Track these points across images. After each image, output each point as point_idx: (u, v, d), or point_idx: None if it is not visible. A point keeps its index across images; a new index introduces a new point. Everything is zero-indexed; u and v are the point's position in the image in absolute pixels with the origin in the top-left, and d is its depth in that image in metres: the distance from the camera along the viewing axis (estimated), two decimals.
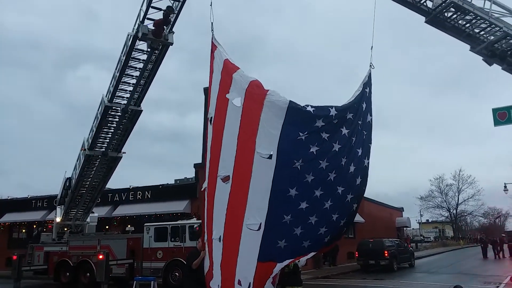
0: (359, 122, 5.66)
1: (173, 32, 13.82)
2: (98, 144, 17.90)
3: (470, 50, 13.06)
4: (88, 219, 21.58)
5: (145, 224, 18.27)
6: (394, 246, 24.99)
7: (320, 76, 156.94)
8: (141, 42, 13.76)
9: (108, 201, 27.56)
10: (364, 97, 5.87)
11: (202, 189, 6.67)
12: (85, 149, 17.91)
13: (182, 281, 13.88)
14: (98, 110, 16.96)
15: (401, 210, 50.85)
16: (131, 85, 15.59)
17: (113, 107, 16.17)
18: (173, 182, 27.46)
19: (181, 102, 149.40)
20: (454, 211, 72.01)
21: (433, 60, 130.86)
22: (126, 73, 14.99)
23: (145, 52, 14.24)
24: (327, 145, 5.23)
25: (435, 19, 12.68)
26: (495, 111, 9.39)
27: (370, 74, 6.15)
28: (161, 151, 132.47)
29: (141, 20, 13.21)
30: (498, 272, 21.66)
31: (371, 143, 5.96)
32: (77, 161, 19.22)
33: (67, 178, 20.17)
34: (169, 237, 17.01)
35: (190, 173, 26.82)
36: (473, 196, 67.97)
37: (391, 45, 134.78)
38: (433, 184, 71.56)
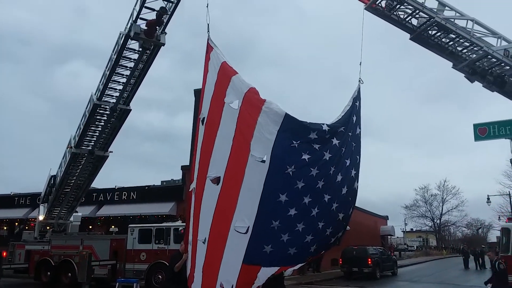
0: (350, 134, 5.77)
1: (166, 33, 13.84)
2: (85, 142, 17.76)
3: (452, 67, 13.51)
4: (71, 218, 21.33)
5: (130, 225, 18.12)
6: (377, 254, 25.19)
7: (312, 81, 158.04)
8: (133, 41, 13.75)
9: (93, 201, 27.29)
10: (354, 110, 6.01)
11: (189, 190, 6.65)
12: (71, 147, 17.76)
13: (165, 284, 13.79)
14: (86, 108, 16.84)
15: (386, 218, 51.36)
16: (121, 84, 15.54)
17: (102, 106, 16.07)
18: (160, 184, 27.33)
19: (171, 102, 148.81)
20: (438, 221, 73.00)
21: (423, 71, 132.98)
22: (116, 71, 14.94)
23: (136, 51, 14.22)
24: (318, 154, 5.30)
25: (419, 36, 13.10)
26: (476, 126, 9.65)
27: (359, 88, 6.30)
28: (149, 151, 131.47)
29: (134, 19, 13.22)
30: (478, 282, 22.00)
31: (359, 155, 6.06)
32: (63, 158, 19.03)
33: (52, 176, 19.94)
34: (153, 239, 16.88)
35: (177, 175, 26.76)
36: (457, 207, 69.08)
37: (382, 55, 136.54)
38: (418, 194, 72.57)
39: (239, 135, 5.50)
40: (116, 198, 27.37)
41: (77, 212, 21.80)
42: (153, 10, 13.04)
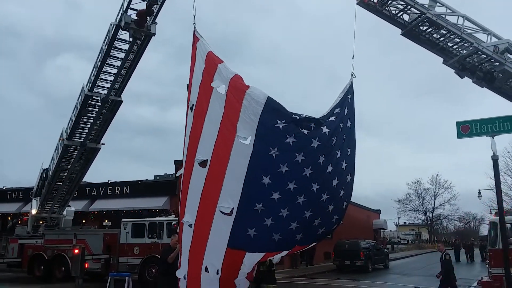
0: (340, 125, 5.80)
1: (156, 23, 13.87)
2: (77, 135, 17.75)
3: (443, 63, 13.66)
4: (64, 213, 21.32)
5: (123, 219, 18.16)
6: (369, 248, 25.47)
7: (307, 78, 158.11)
8: (124, 32, 13.74)
9: (86, 195, 27.28)
10: (345, 102, 6.06)
11: (177, 175, 6.71)
12: (63, 139, 17.73)
13: (157, 277, 13.90)
14: (78, 99, 16.83)
15: (378, 212, 51.81)
16: (112, 75, 15.55)
17: (93, 97, 16.07)
18: (153, 178, 27.35)
19: (164, 96, 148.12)
20: (430, 215, 73.70)
21: (415, 65, 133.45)
22: (107, 62, 14.97)
23: (127, 42, 14.25)
24: (305, 139, 5.31)
25: (410, 32, 13.21)
26: (458, 124, 9.82)
27: (351, 82, 6.37)
28: (142, 145, 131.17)
29: (124, 9, 13.28)
30: (468, 275, 22.35)
31: (351, 148, 6.08)
32: (55, 151, 18.99)
33: (44, 169, 19.91)
34: (146, 233, 16.95)
35: (170, 170, 26.74)
36: (449, 201, 69.54)
37: (376, 49, 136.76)
38: (410, 188, 72.96)
39: (226, 119, 5.58)
40: (109, 192, 27.37)
41: (70, 206, 21.80)
42: (143, 0, 13.05)
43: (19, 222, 24.37)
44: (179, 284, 6.05)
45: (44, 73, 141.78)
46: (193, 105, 6.31)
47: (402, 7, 12.89)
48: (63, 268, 17.69)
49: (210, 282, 5.49)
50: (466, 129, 9.61)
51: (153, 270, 16.29)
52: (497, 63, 12.83)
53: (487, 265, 15.42)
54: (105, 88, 16.04)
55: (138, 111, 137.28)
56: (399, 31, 13.50)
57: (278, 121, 5.24)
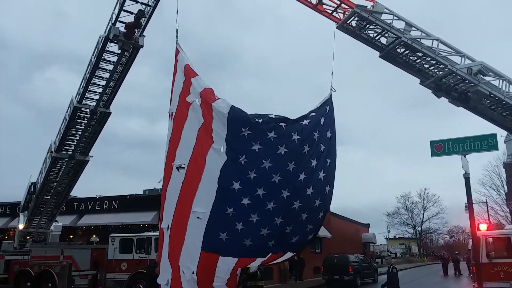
0: (315, 133, 5.92)
1: (144, 36, 14.20)
2: (65, 147, 17.77)
3: (420, 83, 14.24)
4: (52, 228, 21.17)
5: (111, 235, 18.21)
6: (358, 262, 25.65)
7: (295, 89, 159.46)
8: (112, 44, 14.10)
9: (74, 210, 27.14)
10: (323, 113, 6.21)
11: (158, 181, 7.03)
12: (52, 152, 17.78)
13: None
14: (67, 112, 16.95)
15: (367, 226, 52.04)
16: (100, 86, 15.73)
17: (82, 109, 16.26)
18: (142, 193, 27.37)
19: (152, 109, 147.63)
20: (419, 228, 74.22)
21: (403, 79, 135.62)
22: (96, 74, 15.16)
23: (115, 54, 14.49)
24: (271, 146, 5.52)
25: (388, 54, 13.77)
26: (432, 143, 10.35)
27: (330, 95, 6.56)
28: (130, 159, 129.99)
29: (113, 22, 13.57)
30: None
31: (331, 159, 6.14)
32: (43, 164, 18.97)
33: (32, 183, 19.81)
34: (134, 248, 17.00)
35: (160, 184, 26.78)
36: (437, 214, 70.41)
37: (365, 61, 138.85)
38: (399, 201, 73.73)
39: (203, 128, 5.86)
40: (98, 207, 27.25)
41: (57, 221, 21.66)
42: (132, 13, 13.39)
43: (6, 237, 24.21)
44: None
45: (32, 85, 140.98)
46: (172, 112, 6.60)
47: (379, 31, 13.48)
48: (49, 284, 17.51)
49: (188, 283, 5.63)
50: (439, 148, 10.12)
51: (141, 286, 16.25)
52: (471, 84, 13.41)
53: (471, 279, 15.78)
54: (94, 100, 16.21)
55: (127, 124, 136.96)
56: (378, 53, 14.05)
57: (243, 129, 5.52)
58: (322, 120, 6.13)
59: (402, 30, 13.24)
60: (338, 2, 13.22)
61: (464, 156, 9.99)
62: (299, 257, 24.73)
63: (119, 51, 14.18)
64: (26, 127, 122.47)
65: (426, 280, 29.85)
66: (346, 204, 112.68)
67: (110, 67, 14.98)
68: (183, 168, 6.01)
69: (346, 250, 30.87)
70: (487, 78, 13.79)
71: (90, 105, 16.28)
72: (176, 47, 6.91)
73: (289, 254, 6.20)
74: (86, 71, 15.50)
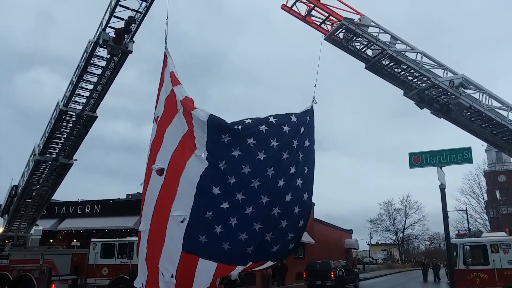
0: (294, 141, 6.00)
1: (134, 41, 14.20)
2: (50, 150, 17.52)
3: (403, 95, 14.60)
4: (32, 231, 20.82)
5: (92, 239, 18.01)
6: (340, 268, 25.93)
7: (284, 95, 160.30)
8: (102, 49, 14.03)
9: (55, 214, 26.70)
10: (303, 123, 6.27)
11: (140, 184, 7.03)
12: (35, 154, 17.52)
13: None
14: (52, 115, 16.75)
15: (350, 232, 52.55)
16: (88, 90, 15.62)
17: (68, 112, 16.09)
18: (125, 197, 27.08)
19: (138, 113, 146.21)
20: (401, 235, 75.28)
21: (388, 87, 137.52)
22: (84, 78, 15.06)
23: (104, 58, 14.42)
24: (250, 151, 5.59)
25: (373, 66, 14.13)
26: (410, 155, 10.67)
27: (312, 106, 6.60)
28: (114, 162, 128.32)
29: (103, 27, 13.53)
30: None
31: (309, 167, 6.20)
32: (26, 167, 18.66)
33: (14, 186, 19.47)
34: (116, 253, 16.85)
35: (142, 187, 26.55)
36: (419, 221, 71.48)
37: (352, 73, 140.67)
38: (382, 208, 74.66)
39: (186, 135, 5.91)
40: (79, 211, 26.86)
41: (37, 225, 21.31)
42: (122, 19, 13.39)
43: None
44: None
45: (15, 86, 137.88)
46: (158, 116, 6.67)
47: (366, 43, 13.79)
48: None
49: (166, 284, 5.64)
50: (417, 160, 10.43)
51: None
52: (453, 96, 13.81)
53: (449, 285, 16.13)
54: (81, 104, 16.06)
55: (113, 126, 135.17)
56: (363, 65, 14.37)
57: (222, 136, 5.60)
58: (302, 129, 6.21)
59: (388, 43, 13.59)
60: (327, 15, 13.50)
61: (441, 168, 10.25)
62: (282, 263, 24.80)
63: (108, 56, 14.12)
64: (8, 128, 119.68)
65: (406, 286, 30.34)
66: (330, 210, 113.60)
67: (98, 71, 14.89)
68: (162, 171, 6.07)
69: (329, 255, 31.13)
70: (468, 91, 14.21)
71: (76, 108, 16.13)
72: (165, 52, 6.96)
73: (270, 263, 6.19)
74: (74, 74, 15.35)
